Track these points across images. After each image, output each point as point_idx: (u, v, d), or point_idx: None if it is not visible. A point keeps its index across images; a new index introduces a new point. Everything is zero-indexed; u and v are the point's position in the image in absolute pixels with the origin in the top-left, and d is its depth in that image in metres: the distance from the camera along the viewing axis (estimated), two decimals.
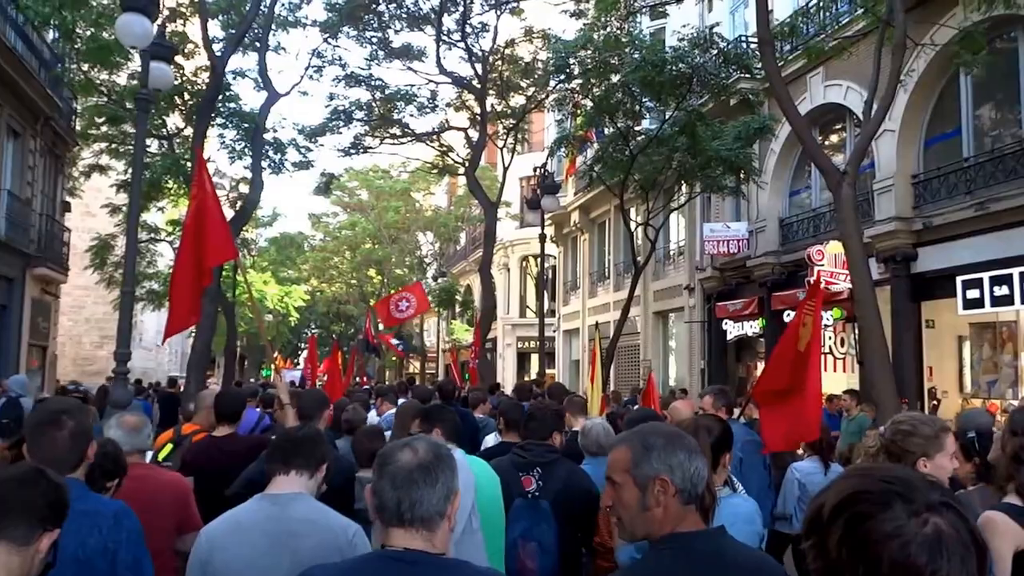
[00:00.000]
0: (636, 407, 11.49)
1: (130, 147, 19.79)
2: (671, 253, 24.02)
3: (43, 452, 2.93)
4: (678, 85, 14.85)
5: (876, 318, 9.48)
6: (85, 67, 17.58)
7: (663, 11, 22.23)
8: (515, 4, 23.40)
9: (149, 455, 8.78)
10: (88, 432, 3.09)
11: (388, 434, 6.00)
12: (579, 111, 17.03)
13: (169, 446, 6.24)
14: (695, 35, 14.67)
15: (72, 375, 24.71)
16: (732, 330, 20.11)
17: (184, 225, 7.12)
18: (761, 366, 20.03)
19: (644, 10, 16.85)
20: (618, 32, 15.53)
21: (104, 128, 20.54)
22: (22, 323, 18.99)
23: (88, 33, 16.49)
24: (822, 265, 16.03)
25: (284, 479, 3.27)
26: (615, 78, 15.19)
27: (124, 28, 10.02)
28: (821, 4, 16.00)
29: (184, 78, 19.88)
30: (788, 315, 18.20)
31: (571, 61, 15.19)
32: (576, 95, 16.21)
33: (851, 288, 15.61)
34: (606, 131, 17.20)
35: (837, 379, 18.63)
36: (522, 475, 4.51)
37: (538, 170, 19.37)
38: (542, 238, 19.56)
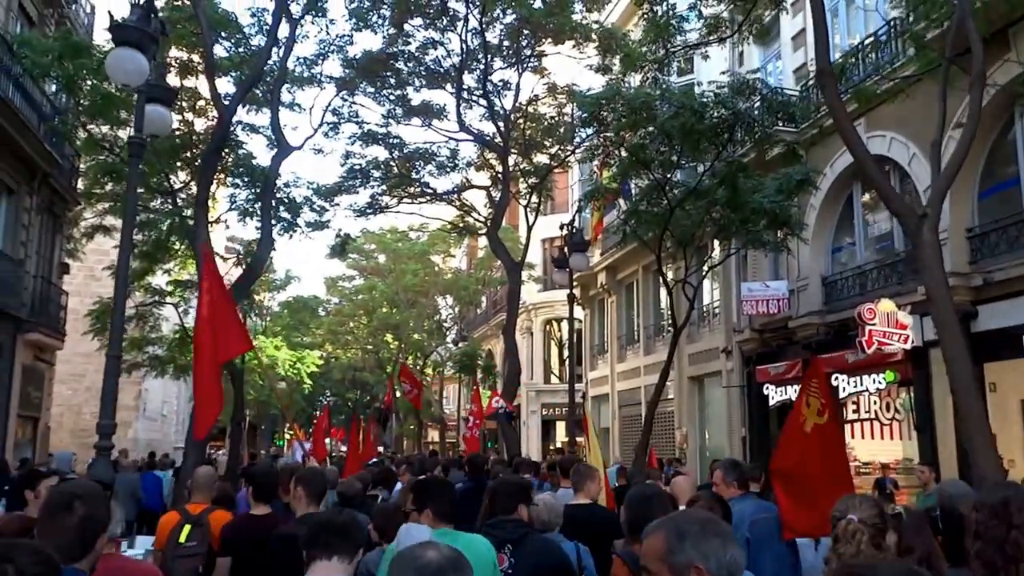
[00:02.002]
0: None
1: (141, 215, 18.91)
2: (705, 314, 22.74)
3: (49, 538, 2.78)
4: (718, 133, 13.76)
5: (969, 379, 8.18)
6: (87, 123, 16.71)
7: (690, 67, 21.43)
8: (536, 63, 22.72)
9: (141, 541, 7.73)
10: (100, 521, 2.93)
11: None
12: (612, 161, 15.96)
13: (188, 527, 5.84)
14: (735, 81, 13.60)
15: (72, 447, 23.41)
16: (774, 395, 18.72)
17: (199, 319, 7.09)
18: None
19: (672, 63, 15.83)
20: (648, 86, 14.56)
21: (108, 186, 19.63)
22: (11, 392, 17.76)
23: (90, 84, 15.70)
24: (873, 324, 14.70)
25: (326, 565, 3.27)
26: (649, 128, 14.10)
27: (115, 64, 9.04)
28: (878, 42, 14.90)
29: (196, 136, 19.07)
30: (836, 378, 16.96)
31: (603, 112, 14.14)
32: (609, 145, 15.12)
33: (907, 349, 14.58)
34: (636, 184, 16.18)
35: (885, 446, 17.33)
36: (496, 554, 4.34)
37: (566, 227, 18.25)
38: (571, 298, 18.36)
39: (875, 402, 16.83)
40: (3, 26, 16.38)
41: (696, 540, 2.17)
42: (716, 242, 19.48)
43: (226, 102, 15.60)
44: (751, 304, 18.46)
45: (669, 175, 14.68)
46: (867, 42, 15.74)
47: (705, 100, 13.15)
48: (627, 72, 20.00)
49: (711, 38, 13.69)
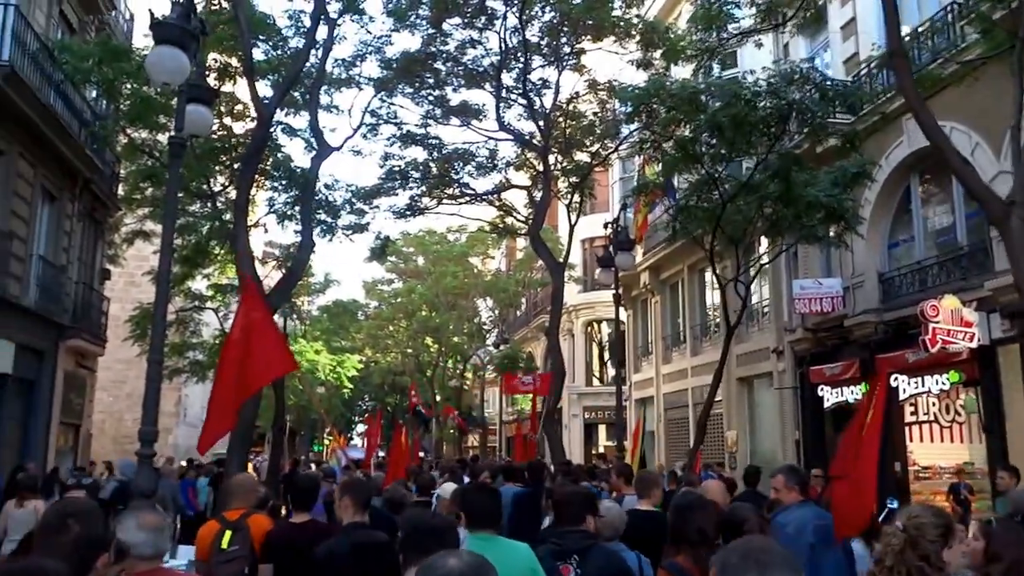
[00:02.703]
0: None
1: (181, 219, 18.79)
2: (754, 314, 22.13)
3: (46, 555, 2.69)
4: (771, 124, 13.22)
5: None
6: (126, 127, 16.59)
7: (732, 61, 20.89)
8: (576, 60, 22.31)
9: (183, 551, 7.57)
10: (97, 541, 2.84)
11: None
12: (659, 156, 15.46)
13: (228, 532, 5.73)
14: (787, 69, 13.05)
15: (112, 455, 23.36)
16: (829, 396, 18.11)
17: (228, 340, 7.18)
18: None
19: (721, 54, 15.35)
20: (700, 74, 14.07)
21: (148, 191, 19.54)
22: (52, 400, 17.67)
23: (129, 89, 15.56)
24: (937, 322, 14.05)
25: None
26: (698, 120, 13.58)
27: (156, 62, 8.80)
28: (935, 26, 14.28)
29: (235, 138, 18.90)
30: (896, 379, 16.34)
31: (652, 104, 13.65)
32: (657, 138, 14.62)
33: (972, 348, 13.94)
34: (686, 179, 15.65)
35: (947, 450, 16.69)
36: (559, 564, 4.36)
37: (610, 225, 17.80)
38: (616, 298, 17.89)
39: (934, 404, 16.18)
40: (44, 33, 16.29)
41: (736, 571, 2.21)
42: (763, 239, 18.96)
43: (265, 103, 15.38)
44: (804, 302, 17.88)
45: (720, 169, 14.15)
46: (925, 27, 15.11)
47: (757, 89, 12.60)
48: (670, 66, 19.61)
49: (764, 24, 13.17)
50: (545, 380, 19.34)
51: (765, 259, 18.56)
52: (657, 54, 19.91)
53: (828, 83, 13.19)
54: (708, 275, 25.00)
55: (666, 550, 4.38)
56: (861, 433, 5.78)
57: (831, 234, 14.83)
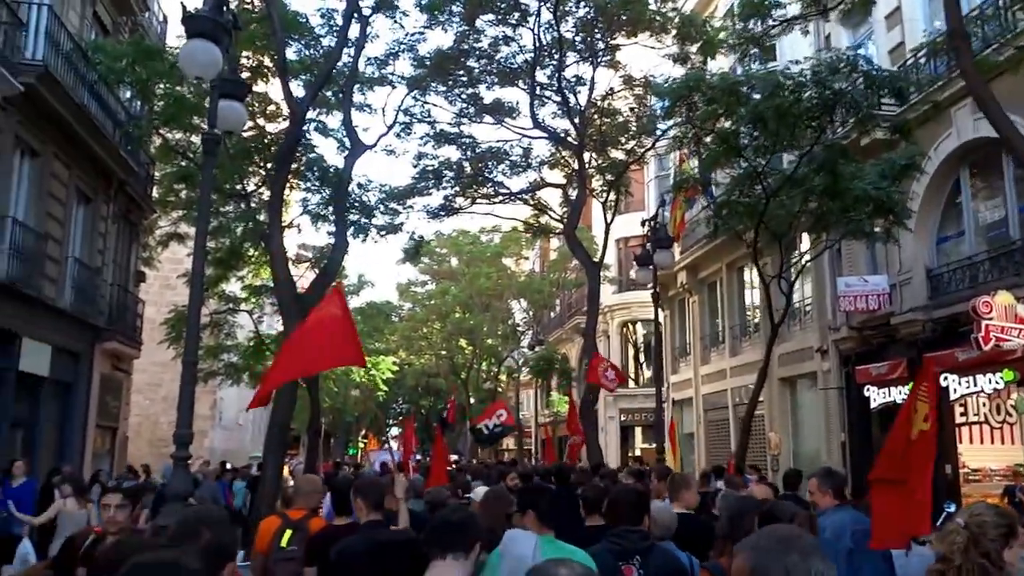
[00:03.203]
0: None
1: (214, 219, 18.72)
2: (796, 312, 21.61)
3: None
4: (817, 115, 12.78)
5: None
6: (159, 126, 16.50)
7: (771, 55, 20.42)
8: (610, 57, 21.96)
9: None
10: (226, 549, 2.84)
11: None
12: (701, 150, 15.06)
13: (289, 531, 5.91)
14: (832, 58, 12.60)
15: (148, 458, 23.38)
16: (876, 397, 17.59)
17: (309, 320, 7.58)
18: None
19: (763, 44, 14.93)
20: (745, 62, 13.67)
21: (183, 194, 19.48)
22: (89, 402, 17.61)
23: (163, 88, 15.47)
24: (990, 319, 13.57)
25: (440, 564, 3.38)
26: (740, 112, 13.18)
27: (188, 56, 8.63)
28: (997, 7, 13.74)
29: (268, 136, 18.79)
30: (946, 378, 15.81)
31: (693, 97, 13.27)
32: (698, 130, 14.22)
33: None
34: (728, 173, 15.25)
35: (999, 452, 16.16)
36: (622, 564, 4.35)
37: (648, 223, 17.43)
38: (655, 297, 17.50)
39: (984, 404, 15.66)
40: (78, 34, 16.25)
41: (776, 556, 2.17)
42: (805, 236, 18.48)
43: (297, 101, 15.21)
44: (848, 300, 17.40)
45: (764, 162, 13.71)
46: (975, 14, 14.58)
47: (802, 79, 12.17)
48: (707, 60, 19.19)
49: (810, 10, 12.74)
50: (620, 377, 19.10)
51: (808, 256, 18.03)
52: (693, 48, 19.52)
53: (875, 71, 12.71)
54: (747, 274, 24.62)
55: (714, 549, 4.45)
56: (909, 438, 5.52)
57: (878, 229, 14.34)
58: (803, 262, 17.26)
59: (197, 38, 8.53)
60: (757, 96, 12.52)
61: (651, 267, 17.47)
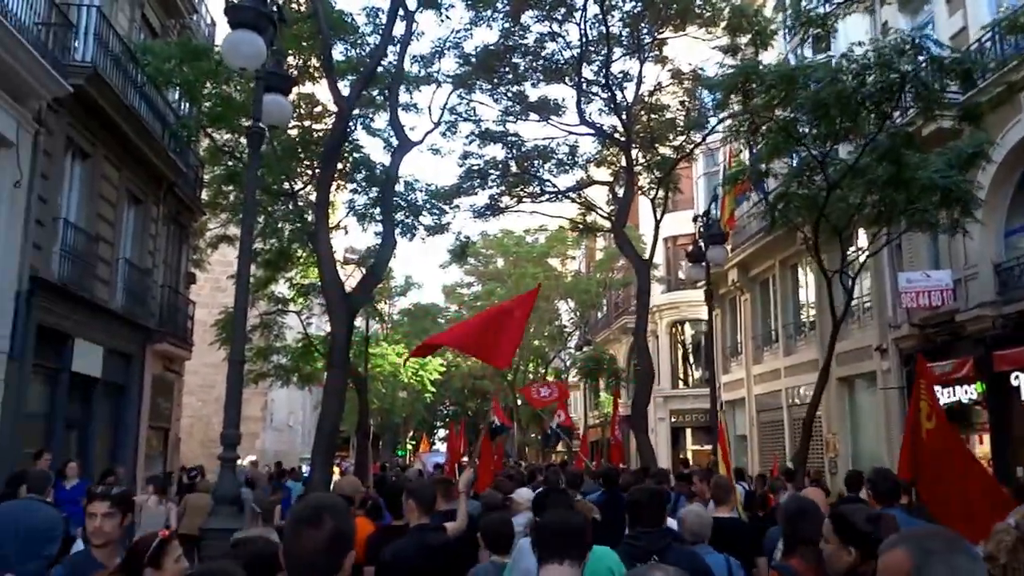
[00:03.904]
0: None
1: (261, 217, 18.71)
2: (854, 310, 21.00)
3: (297, 554, 2.61)
4: (880, 101, 12.26)
5: None
6: (207, 127, 16.51)
7: (825, 45, 19.86)
8: (657, 52, 21.56)
9: None
10: (348, 537, 2.66)
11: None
12: (757, 140, 14.59)
13: None
14: (897, 39, 12.07)
15: (201, 459, 23.45)
16: (940, 396, 16.83)
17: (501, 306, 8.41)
18: (986, 439, 16.89)
19: (814, 34, 14.43)
20: (809, 44, 13.22)
21: (231, 196, 19.51)
22: (141, 403, 17.64)
23: (211, 88, 15.44)
24: None
25: (557, 569, 3.37)
26: (799, 100, 12.70)
27: (232, 47, 8.42)
28: None
29: (314, 132, 18.73)
30: (1016, 377, 15.21)
31: (751, 84, 12.82)
32: (756, 119, 13.76)
33: None
34: (786, 163, 14.80)
35: None
36: (638, 564, 4.11)
37: (699, 219, 16.99)
38: (708, 294, 17.10)
39: None
40: (127, 36, 16.30)
41: (945, 558, 2.07)
42: (861, 230, 17.90)
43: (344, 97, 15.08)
44: (910, 296, 16.81)
45: (826, 152, 13.22)
46: None
47: (866, 62, 11.67)
48: (759, 51, 18.70)
49: None
50: (562, 389, 18.61)
51: (868, 250, 17.44)
52: (743, 39, 19.05)
53: (944, 52, 12.15)
54: (802, 270, 24.04)
55: (781, 552, 4.34)
56: (921, 436, 5.73)
57: (948, 221, 13.75)
58: (863, 257, 16.65)
59: (240, 28, 8.37)
60: (815, 84, 12.07)
61: (703, 264, 17.04)
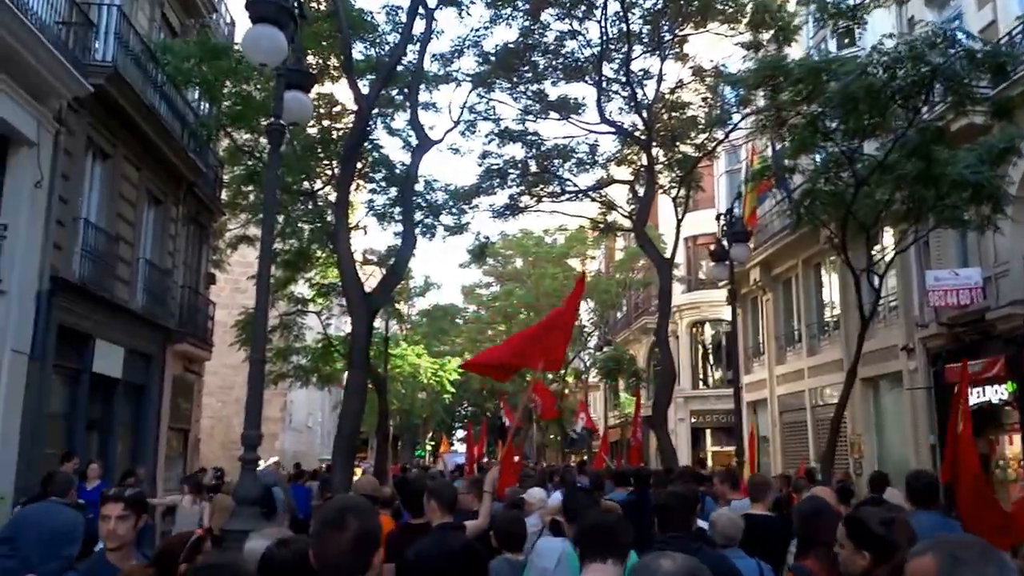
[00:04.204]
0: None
1: (280, 216, 18.65)
2: (880, 309, 20.72)
3: (324, 556, 2.68)
4: (910, 96, 12.03)
5: None
6: (227, 126, 16.43)
7: (849, 40, 19.59)
8: (678, 49, 21.33)
9: None
10: (374, 536, 2.74)
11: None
12: (784, 134, 14.34)
13: None
14: (929, 32, 11.84)
15: (221, 460, 23.46)
16: (970, 396, 16.61)
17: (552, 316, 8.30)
18: (1016, 439, 16.61)
19: (837, 31, 14.24)
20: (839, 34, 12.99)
21: (251, 196, 19.46)
22: (161, 404, 17.59)
23: (230, 87, 15.36)
24: None
25: (600, 567, 3.41)
26: (827, 95, 12.47)
27: (252, 42, 8.32)
28: None
29: (335, 130, 18.65)
30: None
31: (778, 78, 12.62)
32: (781, 115, 13.54)
33: None
34: (813, 159, 14.56)
35: None
36: None
37: (722, 217, 16.80)
38: (732, 294, 16.93)
39: None
40: (147, 36, 16.26)
41: (975, 568, 2.03)
42: (887, 228, 17.63)
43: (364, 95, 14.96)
44: (938, 295, 16.51)
45: (855, 147, 12.98)
46: None
47: (898, 54, 11.44)
48: (783, 46, 18.46)
49: None
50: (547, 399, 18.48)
51: (894, 247, 17.16)
52: (767, 35, 18.82)
53: (976, 45, 11.88)
54: (825, 269, 23.77)
55: (796, 552, 4.30)
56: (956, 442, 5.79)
57: (974, 217, 13.49)
58: (890, 255, 16.39)
59: (261, 23, 8.26)
60: (844, 78, 11.84)
61: (727, 262, 16.84)
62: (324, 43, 17.84)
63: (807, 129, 12.55)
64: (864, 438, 20.97)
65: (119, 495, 4.48)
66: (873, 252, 17.70)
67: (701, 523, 6.01)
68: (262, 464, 20.57)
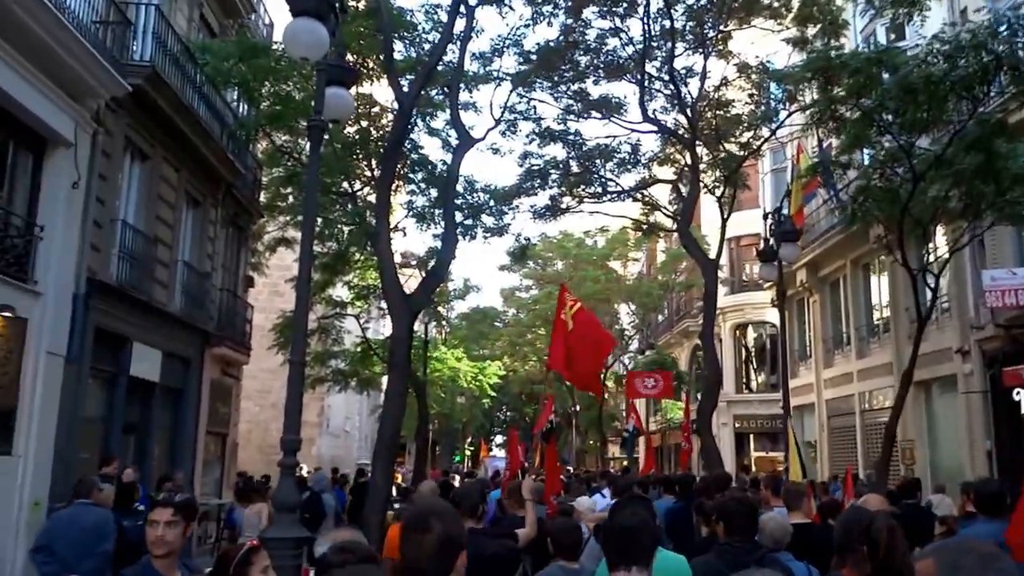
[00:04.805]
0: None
1: (320, 218, 18.47)
2: (932, 310, 20.05)
3: (409, 558, 2.73)
4: (971, 86, 11.49)
5: None
6: (265, 126, 16.26)
7: (900, 35, 19.03)
8: (722, 47, 20.87)
9: None
10: (457, 540, 2.77)
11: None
12: (840, 126, 13.81)
13: None
14: (993, 18, 11.30)
15: (259, 464, 23.33)
16: None
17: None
18: None
19: (895, 19, 13.72)
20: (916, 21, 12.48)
21: (290, 199, 19.31)
22: (199, 408, 17.44)
23: (269, 87, 15.20)
24: None
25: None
26: (883, 86, 11.97)
27: (293, 36, 8.09)
28: None
29: (375, 127, 18.44)
30: None
31: (832, 70, 12.13)
32: (837, 106, 13.02)
33: None
34: (868, 153, 14.05)
35: None
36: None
37: (770, 215, 16.30)
38: (781, 294, 16.39)
39: None
40: (185, 36, 16.16)
41: (971, 573, 2.02)
42: (939, 227, 17.03)
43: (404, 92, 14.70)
44: (995, 295, 15.84)
45: (912, 142, 12.45)
46: None
47: (960, 42, 10.91)
48: (831, 40, 17.92)
49: None
50: (667, 380, 18.05)
51: (947, 246, 16.53)
52: (813, 30, 18.29)
53: None
54: (874, 270, 23.13)
55: (834, 561, 4.25)
56: None
57: None
58: (944, 253, 15.78)
59: (301, 16, 8.02)
60: (902, 69, 11.34)
61: (775, 263, 16.34)
62: (363, 42, 17.63)
63: (863, 122, 12.04)
64: (916, 444, 20.28)
65: (169, 500, 4.31)
66: (926, 250, 17.13)
67: None
68: (309, 470, 20.52)
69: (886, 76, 12.20)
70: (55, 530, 7.71)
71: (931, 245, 17.57)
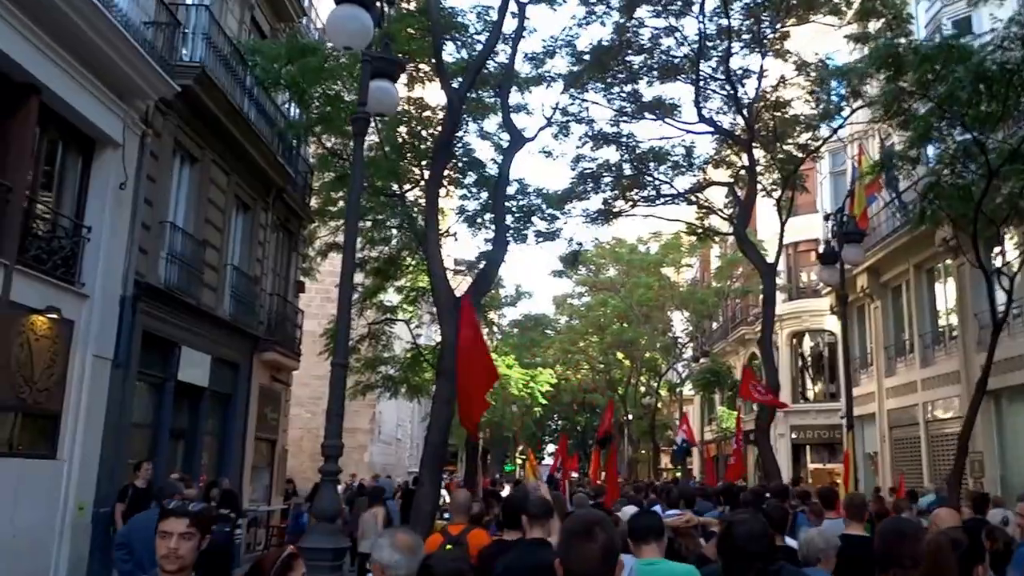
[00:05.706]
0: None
1: (369, 220, 18.29)
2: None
3: (574, 565, 2.79)
4: None
5: None
6: (315, 126, 16.10)
7: (964, 29, 18.22)
8: (779, 45, 20.29)
9: None
10: (618, 549, 2.87)
11: None
12: (909, 118, 13.19)
13: (449, 546, 6.02)
14: None
15: (310, 472, 23.14)
16: None
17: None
18: None
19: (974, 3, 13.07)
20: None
21: (341, 202, 19.14)
22: (248, 414, 17.29)
23: (319, 88, 15.03)
24: None
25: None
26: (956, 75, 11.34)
27: (336, 24, 7.90)
28: None
29: (427, 133, 18.22)
30: None
31: (903, 58, 11.56)
32: (906, 98, 12.44)
33: None
34: (937, 146, 13.38)
35: None
36: None
37: (833, 216, 15.70)
38: (843, 299, 15.76)
39: None
40: (235, 38, 16.10)
41: None
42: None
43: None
44: None
45: (987, 135, 11.80)
46: None
47: None
48: (896, 35, 17.27)
49: None
50: (770, 392, 17.71)
51: (1015, 248, 15.73)
52: (875, 25, 17.63)
53: None
54: (939, 274, 22.26)
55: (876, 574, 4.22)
56: None
57: None
58: (1009, 255, 15.02)
59: (345, 3, 7.79)
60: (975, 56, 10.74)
61: (836, 265, 15.71)
62: (413, 45, 17.43)
63: (935, 114, 11.42)
64: (986, 456, 19.38)
65: (183, 509, 3.62)
66: (996, 252, 16.37)
67: (790, 541, 6.01)
68: (363, 478, 20.28)
69: (959, 68, 11.61)
70: (133, 531, 7.64)
71: (997, 248, 16.80)
